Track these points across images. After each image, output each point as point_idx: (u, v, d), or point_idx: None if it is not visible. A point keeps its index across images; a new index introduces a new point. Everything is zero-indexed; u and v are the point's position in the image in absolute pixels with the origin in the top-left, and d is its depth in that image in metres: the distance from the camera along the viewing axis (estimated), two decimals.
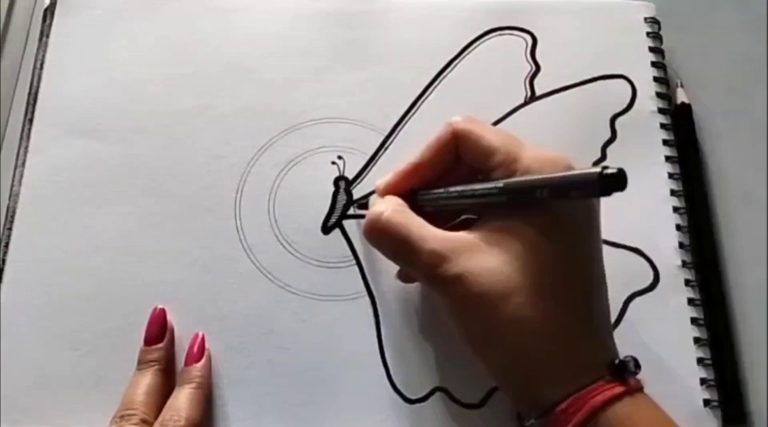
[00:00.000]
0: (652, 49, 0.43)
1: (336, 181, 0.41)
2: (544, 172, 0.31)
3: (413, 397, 0.37)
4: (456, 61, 0.43)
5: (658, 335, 0.37)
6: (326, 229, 0.40)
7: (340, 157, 0.41)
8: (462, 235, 0.32)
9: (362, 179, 0.41)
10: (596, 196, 0.30)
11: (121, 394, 0.35)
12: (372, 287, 0.38)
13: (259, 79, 0.42)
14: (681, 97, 0.43)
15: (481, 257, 0.31)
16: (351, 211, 0.40)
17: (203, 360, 0.36)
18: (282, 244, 0.39)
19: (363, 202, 0.40)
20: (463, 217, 0.35)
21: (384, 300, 0.38)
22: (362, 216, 0.40)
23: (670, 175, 0.40)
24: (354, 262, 0.39)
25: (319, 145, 0.41)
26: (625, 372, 0.30)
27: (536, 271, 0.30)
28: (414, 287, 0.38)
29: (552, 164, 0.31)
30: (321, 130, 0.41)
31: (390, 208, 0.34)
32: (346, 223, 0.40)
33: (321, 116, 0.42)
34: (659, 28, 0.44)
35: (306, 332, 0.38)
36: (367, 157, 0.41)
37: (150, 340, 0.36)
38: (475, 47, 0.43)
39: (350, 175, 0.41)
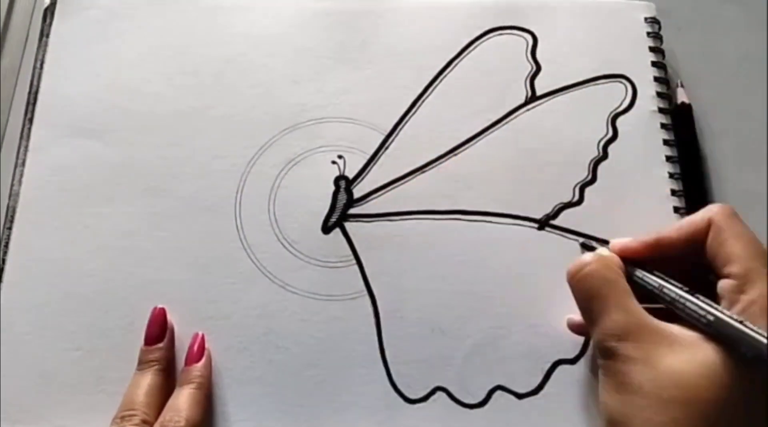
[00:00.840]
0: (652, 49, 0.43)
1: (336, 181, 0.41)
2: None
3: (413, 397, 0.37)
4: (456, 61, 0.43)
5: None
6: (326, 228, 0.40)
7: (340, 157, 0.41)
8: (657, 323, 0.30)
9: (362, 179, 0.41)
10: None
11: (121, 394, 0.35)
12: (372, 286, 0.38)
13: (260, 79, 0.42)
14: (681, 96, 0.43)
15: (665, 352, 0.29)
16: (353, 211, 0.40)
17: (203, 360, 0.36)
18: (282, 243, 0.39)
19: (590, 245, 0.38)
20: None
21: (384, 300, 0.38)
22: (362, 216, 0.40)
23: (671, 175, 0.40)
24: (354, 261, 0.39)
25: (319, 144, 0.41)
26: None
27: (711, 396, 0.28)
28: (413, 286, 0.38)
29: None
30: (321, 129, 0.41)
31: (602, 263, 0.32)
32: (347, 223, 0.40)
33: (321, 116, 0.42)
34: (660, 28, 0.44)
35: (306, 332, 0.38)
36: (368, 157, 0.41)
37: (150, 340, 0.36)
38: (476, 47, 0.43)
39: (350, 175, 0.41)
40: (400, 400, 0.37)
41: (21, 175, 0.40)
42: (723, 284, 0.30)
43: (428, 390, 0.37)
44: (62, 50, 0.43)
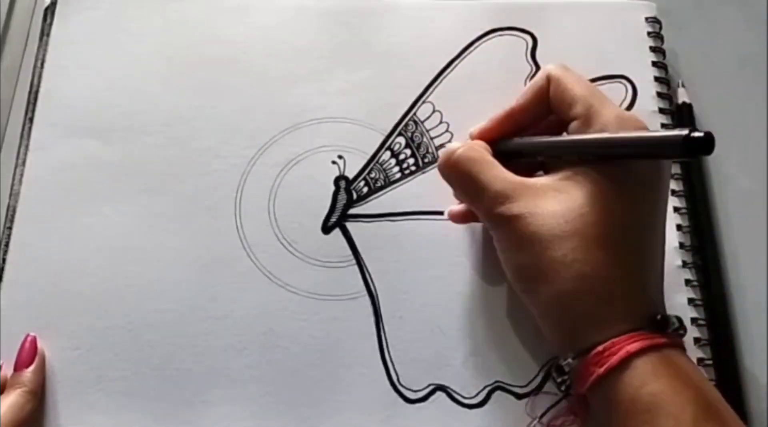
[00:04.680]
0: (653, 49, 0.43)
1: (336, 181, 0.41)
2: (622, 131, 0.32)
3: (413, 397, 0.37)
4: (456, 61, 0.43)
5: None
6: (326, 228, 0.40)
7: (340, 157, 0.41)
8: (530, 180, 0.34)
9: (362, 179, 0.41)
10: (682, 158, 0.31)
11: (121, 393, 0.35)
12: (372, 286, 0.38)
13: (260, 79, 0.42)
14: (682, 96, 0.43)
15: (545, 200, 0.32)
16: (353, 211, 0.40)
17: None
18: (282, 243, 0.39)
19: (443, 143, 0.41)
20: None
21: (384, 300, 0.38)
22: (362, 216, 0.40)
23: (671, 176, 0.40)
24: (354, 261, 0.39)
25: (319, 144, 0.41)
26: (666, 327, 0.31)
27: (596, 220, 0.31)
28: (413, 286, 0.38)
29: (631, 125, 0.32)
30: (321, 129, 0.41)
31: (466, 146, 0.35)
32: (347, 222, 0.40)
33: (321, 116, 0.42)
34: (660, 28, 0.44)
35: (306, 332, 0.38)
36: (368, 157, 0.41)
37: (19, 366, 0.36)
38: (476, 47, 0.43)
39: (350, 175, 0.41)
40: (400, 400, 0.37)
41: (21, 175, 0.40)
42: (571, 127, 0.34)
43: (428, 390, 0.37)
44: (63, 50, 0.43)
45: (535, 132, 0.36)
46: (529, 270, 0.33)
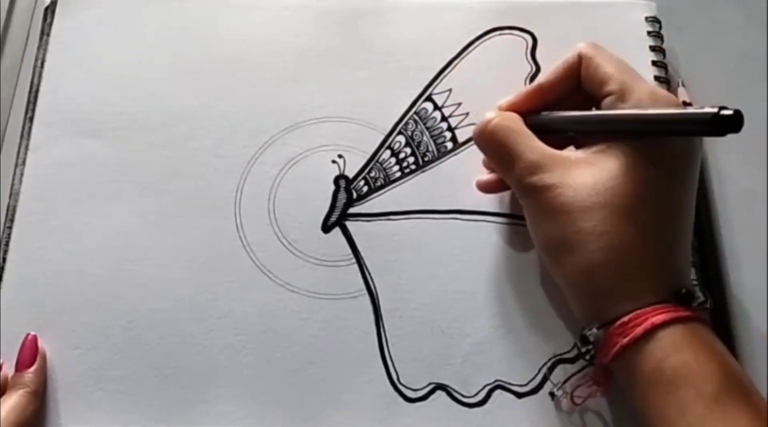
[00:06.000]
0: (653, 49, 0.43)
1: (336, 180, 0.41)
2: (655, 107, 0.32)
3: (413, 396, 0.37)
4: (456, 61, 0.43)
5: None
6: (326, 227, 0.40)
7: (340, 156, 0.41)
8: (563, 152, 0.34)
9: (362, 178, 0.41)
10: (711, 135, 0.31)
11: (121, 392, 0.35)
12: (372, 285, 0.38)
13: (260, 78, 0.42)
14: (682, 96, 0.43)
15: (576, 172, 0.33)
16: (353, 210, 0.40)
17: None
18: (282, 242, 0.39)
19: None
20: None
21: (384, 299, 0.38)
22: (362, 215, 0.40)
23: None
24: (354, 260, 0.39)
25: (319, 143, 0.41)
26: (691, 301, 0.31)
27: (626, 192, 0.32)
28: (413, 285, 0.38)
29: (665, 101, 0.33)
30: (321, 128, 0.41)
31: (502, 116, 0.36)
32: (347, 222, 0.40)
33: (321, 115, 0.42)
34: (660, 28, 0.44)
35: (306, 331, 0.37)
36: (368, 156, 0.41)
37: (21, 365, 0.36)
38: (476, 47, 0.43)
39: (350, 174, 0.41)
40: (400, 399, 0.37)
41: (21, 174, 0.40)
42: (604, 103, 0.34)
43: (428, 389, 0.37)
44: (63, 49, 0.43)
45: (560, 110, 0.37)
46: (558, 241, 0.33)
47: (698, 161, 0.34)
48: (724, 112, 0.29)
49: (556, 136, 0.36)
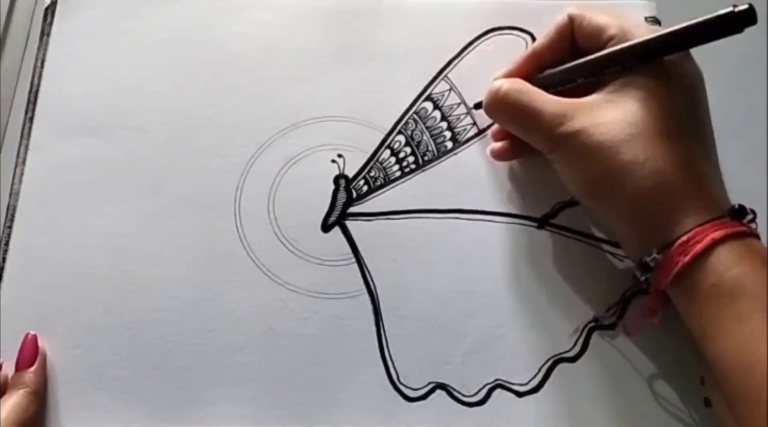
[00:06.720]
0: None
1: (336, 180, 0.41)
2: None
3: (413, 395, 0.37)
4: (456, 61, 0.43)
5: (660, 333, 0.37)
6: (326, 227, 0.40)
7: (340, 156, 0.41)
8: (581, 98, 0.35)
9: (362, 177, 0.41)
10: (731, 33, 0.32)
11: (121, 392, 0.35)
12: (372, 284, 0.38)
13: (260, 78, 0.42)
14: None
15: (601, 111, 0.33)
16: (352, 209, 0.40)
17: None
18: (282, 242, 0.39)
19: (478, 102, 0.41)
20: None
21: (384, 298, 0.38)
22: (362, 214, 0.40)
23: None
24: (354, 260, 0.39)
25: (319, 143, 0.41)
26: (744, 215, 0.32)
27: (656, 117, 0.33)
28: (413, 284, 0.38)
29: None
30: (321, 128, 0.41)
31: (510, 81, 0.37)
32: (346, 221, 0.40)
33: (321, 115, 0.42)
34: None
35: (306, 330, 0.38)
36: (367, 156, 0.41)
37: (21, 365, 0.36)
38: (475, 47, 0.43)
39: (350, 174, 0.41)
40: (400, 398, 0.37)
41: (21, 174, 0.40)
42: (611, 45, 0.35)
43: (428, 388, 0.37)
44: (63, 50, 0.43)
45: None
46: (602, 176, 0.33)
47: (704, 81, 0.35)
48: (740, 7, 0.31)
49: (557, 89, 0.37)
